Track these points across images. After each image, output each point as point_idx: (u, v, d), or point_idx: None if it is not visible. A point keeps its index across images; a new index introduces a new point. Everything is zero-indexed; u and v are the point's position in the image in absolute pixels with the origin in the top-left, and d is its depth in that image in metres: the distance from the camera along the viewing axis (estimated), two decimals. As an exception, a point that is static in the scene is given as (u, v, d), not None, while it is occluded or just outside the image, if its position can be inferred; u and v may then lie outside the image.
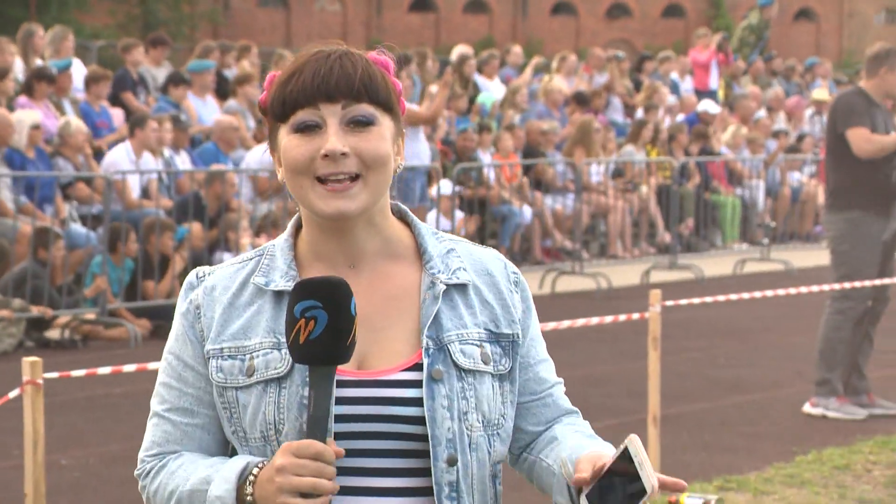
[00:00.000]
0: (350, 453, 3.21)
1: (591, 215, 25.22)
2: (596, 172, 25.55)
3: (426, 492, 3.29)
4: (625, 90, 29.67)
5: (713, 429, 12.99)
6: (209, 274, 3.46)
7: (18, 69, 20.99)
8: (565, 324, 11.80)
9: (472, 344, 3.36)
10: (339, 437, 3.22)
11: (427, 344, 3.30)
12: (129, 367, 9.74)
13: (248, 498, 3.16)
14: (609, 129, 26.46)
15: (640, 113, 28.03)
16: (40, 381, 7.64)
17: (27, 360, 7.76)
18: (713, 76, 31.99)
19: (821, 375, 13.64)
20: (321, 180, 3.26)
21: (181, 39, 35.00)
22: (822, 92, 32.70)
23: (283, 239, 3.45)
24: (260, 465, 3.18)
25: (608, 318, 12.37)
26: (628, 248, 25.53)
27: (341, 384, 3.22)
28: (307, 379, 3.17)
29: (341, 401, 3.24)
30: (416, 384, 3.28)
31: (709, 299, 14.16)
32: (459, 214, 22.30)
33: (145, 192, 19.26)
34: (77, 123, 19.40)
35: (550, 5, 62.44)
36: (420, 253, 3.45)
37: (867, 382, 13.72)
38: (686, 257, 24.95)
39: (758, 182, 28.37)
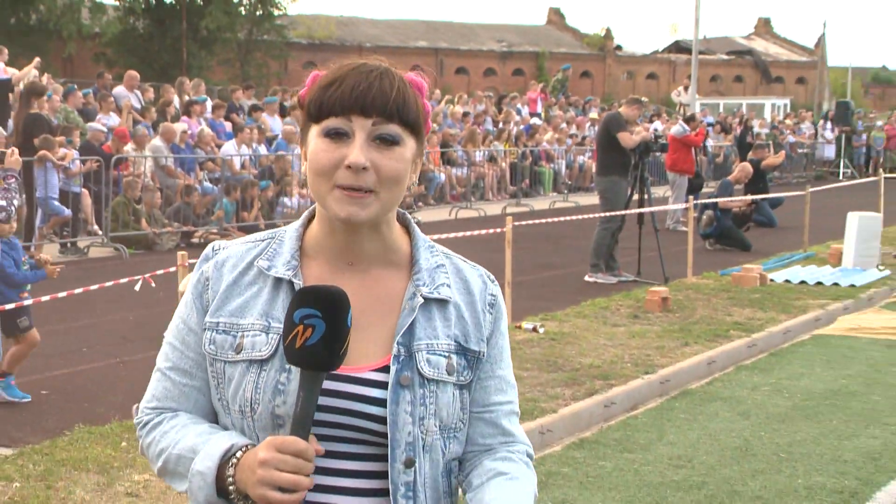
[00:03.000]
0: (315, 436, 2.02)
1: (476, 178, 25.15)
2: (479, 156, 25.37)
3: (379, 476, 2.08)
4: (493, 113, 29.57)
5: (538, 289, 12.98)
6: (224, 248, 2.21)
7: (175, 101, 20.78)
8: (460, 234, 11.77)
9: (440, 354, 2.11)
10: None
11: (398, 351, 2.09)
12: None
13: (230, 479, 2.01)
14: (486, 133, 26.39)
15: (501, 125, 27.95)
16: (187, 265, 7.51)
17: (180, 253, 7.67)
18: (539, 106, 31.94)
19: (593, 261, 13.71)
20: (340, 186, 2.06)
21: (261, 86, 34.53)
22: (594, 114, 32.63)
23: (294, 227, 2.22)
24: (244, 448, 2.02)
25: (484, 231, 12.32)
26: (495, 195, 25.31)
27: None
28: (285, 367, 2.04)
29: None
30: (383, 385, 2.08)
31: (536, 221, 14.15)
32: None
33: (243, 166, 19.11)
34: (207, 130, 19.18)
35: (454, 69, 62.20)
36: (412, 263, 2.19)
37: (617, 263, 13.75)
38: (525, 200, 24.78)
39: (562, 161, 28.19)
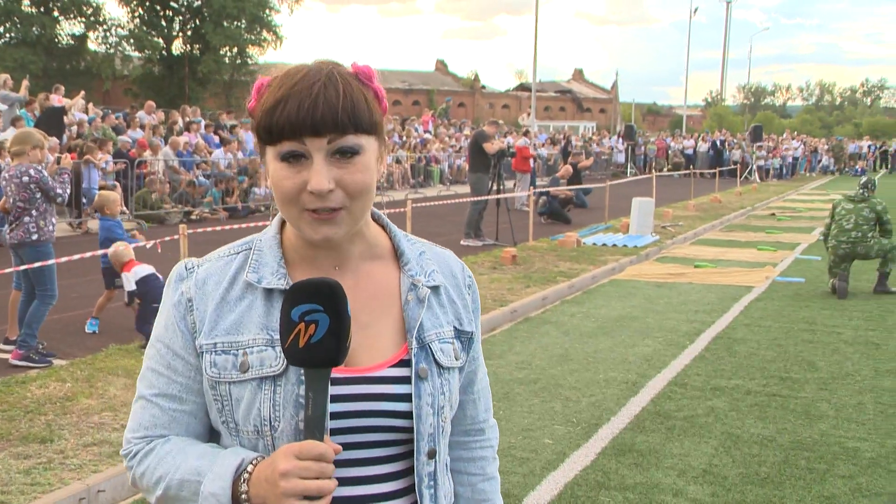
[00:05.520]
0: (342, 446, 1.32)
1: (388, 174, 24.93)
2: (389, 159, 24.99)
3: (405, 474, 1.40)
4: (399, 130, 29.24)
5: (429, 249, 12.89)
6: (199, 266, 1.44)
7: (180, 122, 20.18)
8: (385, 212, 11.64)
9: (448, 342, 1.44)
10: (332, 433, 1.34)
11: (412, 344, 1.40)
12: (217, 228, 9.39)
13: (244, 496, 1.29)
14: (394, 144, 26.15)
15: (404, 138, 27.69)
16: (186, 234, 7.29)
17: (181, 225, 7.39)
18: (430, 126, 31.73)
19: (466, 230, 13.49)
20: (308, 210, 1.34)
21: (240, 111, 33.77)
22: (467, 131, 32.57)
23: (269, 235, 1.45)
24: (254, 462, 1.31)
25: (392, 210, 12.20)
26: (400, 186, 25.01)
27: (333, 382, 1.33)
28: (302, 378, 1.32)
29: (334, 398, 1.34)
30: (403, 380, 1.39)
31: (428, 204, 14.07)
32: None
33: (228, 166, 18.62)
34: (201, 141, 18.61)
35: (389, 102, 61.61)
36: (397, 255, 1.48)
37: (482, 232, 13.71)
38: (420, 189, 24.61)
39: (445, 163, 27.92)
